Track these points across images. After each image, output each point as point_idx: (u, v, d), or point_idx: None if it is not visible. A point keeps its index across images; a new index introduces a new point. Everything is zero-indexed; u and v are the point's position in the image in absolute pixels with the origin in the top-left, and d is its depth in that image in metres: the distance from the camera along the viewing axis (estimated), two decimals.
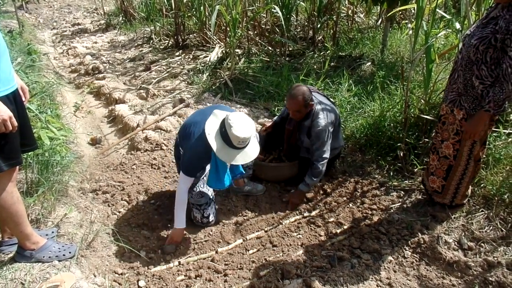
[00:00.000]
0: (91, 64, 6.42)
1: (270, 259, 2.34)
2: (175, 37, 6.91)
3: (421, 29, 2.92)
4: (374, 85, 4.07)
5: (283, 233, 2.59)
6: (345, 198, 2.92)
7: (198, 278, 2.23)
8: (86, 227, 2.51)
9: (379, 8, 6.26)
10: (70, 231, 2.41)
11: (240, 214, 2.81)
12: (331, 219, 2.69)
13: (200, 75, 5.45)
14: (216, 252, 2.44)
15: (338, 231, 2.56)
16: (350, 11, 6.61)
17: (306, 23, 6.45)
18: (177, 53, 6.53)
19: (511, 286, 2.02)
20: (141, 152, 3.68)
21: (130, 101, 4.88)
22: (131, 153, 3.71)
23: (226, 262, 2.37)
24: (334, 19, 5.95)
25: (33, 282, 1.93)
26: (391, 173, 3.04)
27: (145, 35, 7.92)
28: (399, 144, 3.03)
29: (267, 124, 3.14)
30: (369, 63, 5.00)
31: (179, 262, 2.35)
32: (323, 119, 2.74)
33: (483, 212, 2.49)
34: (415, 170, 2.97)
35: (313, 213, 2.80)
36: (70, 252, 2.15)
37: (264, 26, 6.33)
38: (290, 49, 6.02)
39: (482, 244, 2.30)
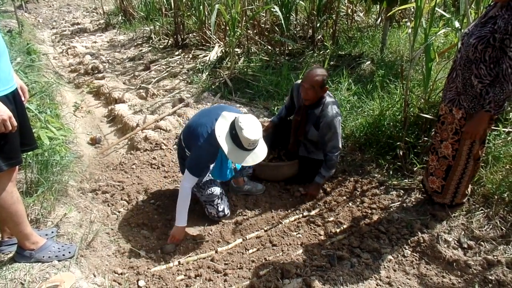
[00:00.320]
0: (90, 63, 6.41)
1: (269, 259, 2.35)
2: (175, 36, 6.91)
3: (420, 27, 2.92)
4: (373, 84, 4.07)
5: (282, 233, 2.59)
6: (344, 197, 2.93)
7: (198, 277, 2.24)
8: (85, 227, 2.51)
9: (378, 7, 6.26)
10: (70, 231, 2.41)
11: (240, 214, 2.81)
12: (331, 219, 2.69)
13: (200, 74, 5.44)
14: (216, 251, 2.45)
15: (338, 230, 2.56)
16: (349, 10, 6.61)
17: (306, 22, 6.44)
18: (177, 53, 6.52)
19: (511, 285, 2.02)
20: (141, 152, 3.68)
21: (130, 100, 4.87)
22: (131, 153, 3.71)
23: (226, 262, 2.37)
24: (334, 18, 5.95)
25: (32, 282, 1.93)
26: (391, 172, 3.04)
27: (144, 35, 7.91)
28: (398, 143, 3.03)
29: (264, 125, 3.14)
30: (369, 62, 4.99)
31: (179, 262, 2.36)
32: (333, 110, 2.78)
33: (482, 211, 2.49)
34: (415, 169, 2.97)
35: (313, 212, 2.80)
36: (69, 252, 2.15)
37: (263, 25, 6.32)
38: (289, 48, 6.02)
39: (482, 242, 2.30)
